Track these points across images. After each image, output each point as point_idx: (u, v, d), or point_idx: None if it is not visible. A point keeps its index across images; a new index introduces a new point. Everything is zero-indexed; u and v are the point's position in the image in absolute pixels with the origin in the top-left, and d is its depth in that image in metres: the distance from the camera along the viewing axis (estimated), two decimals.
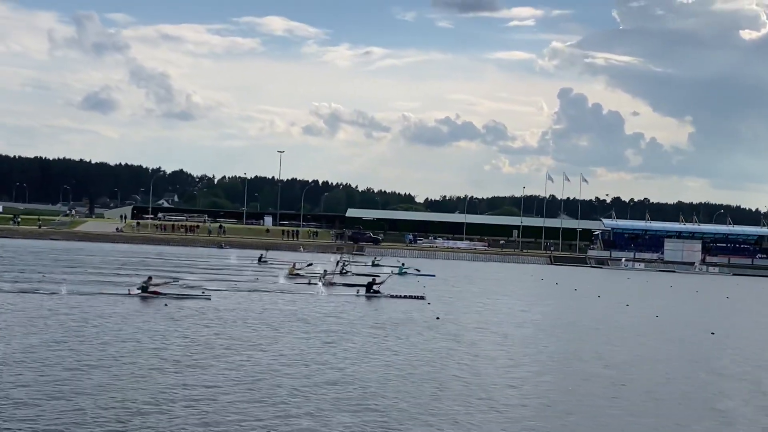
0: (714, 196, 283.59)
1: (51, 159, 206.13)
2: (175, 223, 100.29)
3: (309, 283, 37.34)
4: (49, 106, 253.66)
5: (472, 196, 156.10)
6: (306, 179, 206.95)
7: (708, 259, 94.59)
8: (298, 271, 43.21)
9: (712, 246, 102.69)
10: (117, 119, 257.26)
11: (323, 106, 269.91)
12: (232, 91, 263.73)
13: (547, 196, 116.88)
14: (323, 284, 36.12)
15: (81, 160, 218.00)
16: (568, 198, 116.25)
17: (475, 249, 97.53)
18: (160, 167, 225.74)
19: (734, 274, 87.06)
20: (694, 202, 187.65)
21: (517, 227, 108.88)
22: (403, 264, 53.61)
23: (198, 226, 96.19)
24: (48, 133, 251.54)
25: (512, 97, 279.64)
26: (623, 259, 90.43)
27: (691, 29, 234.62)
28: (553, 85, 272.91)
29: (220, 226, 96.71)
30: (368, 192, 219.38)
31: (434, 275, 50.00)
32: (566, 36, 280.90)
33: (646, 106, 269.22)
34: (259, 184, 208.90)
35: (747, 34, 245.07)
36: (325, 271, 40.66)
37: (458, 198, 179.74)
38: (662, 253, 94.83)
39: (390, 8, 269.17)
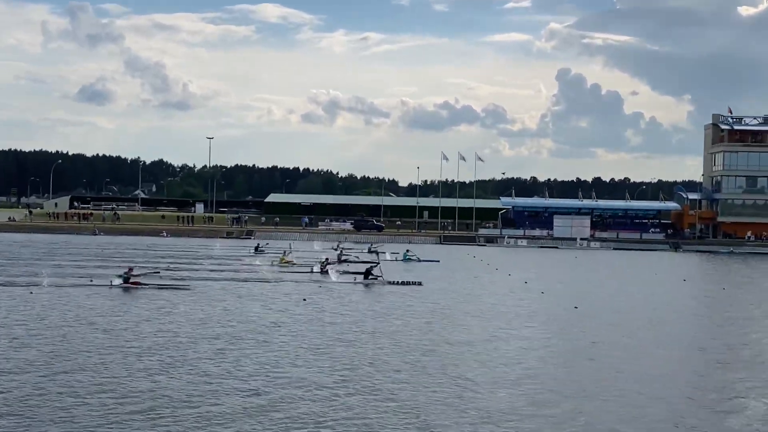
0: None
1: (27, 151, 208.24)
2: (82, 212, 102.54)
3: (311, 271, 38.62)
4: (44, 98, 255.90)
5: (452, 180, 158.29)
6: (287, 167, 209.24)
7: (598, 234, 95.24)
8: (290, 260, 44.52)
9: (610, 222, 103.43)
10: (113, 110, 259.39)
11: (321, 93, 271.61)
12: (228, 79, 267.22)
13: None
14: (322, 271, 37.34)
15: (57, 152, 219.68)
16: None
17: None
18: (138, 157, 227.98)
19: (615, 249, 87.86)
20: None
21: (428, 208, 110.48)
22: (407, 251, 54.73)
23: (92, 214, 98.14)
24: (45, 125, 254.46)
25: (510, 80, 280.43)
26: (506, 237, 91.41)
27: (689, 7, 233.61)
28: (551, 66, 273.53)
29: (115, 214, 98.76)
30: (349, 178, 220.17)
31: (438, 261, 51.97)
32: (563, 17, 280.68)
33: (644, 86, 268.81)
34: (236, 172, 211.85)
35: (745, 11, 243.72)
36: (326, 258, 42.04)
37: (441, 182, 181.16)
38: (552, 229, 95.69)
39: None
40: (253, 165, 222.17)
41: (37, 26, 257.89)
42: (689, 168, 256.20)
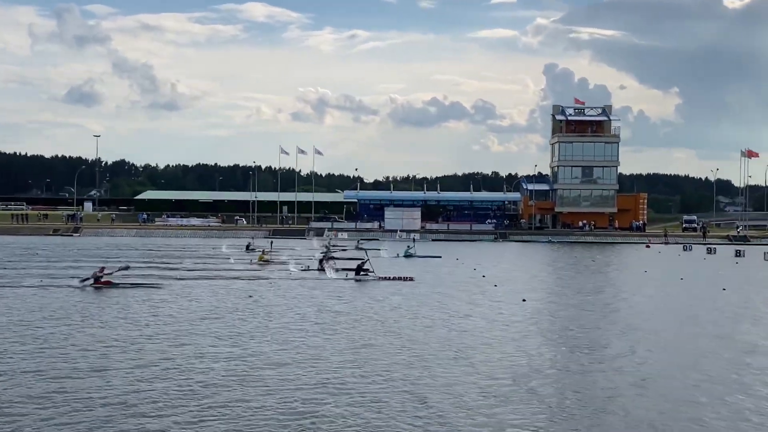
0: (700, 166, 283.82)
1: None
2: None
3: (303, 269, 37.90)
4: (32, 101, 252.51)
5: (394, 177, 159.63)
6: (249, 165, 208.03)
7: (429, 225, 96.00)
8: (268, 257, 44.08)
9: (453, 213, 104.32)
10: (102, 112, 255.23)
11: (310, 92, 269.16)
12: (216, 79, 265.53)
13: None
14: (320, 268, 36.79)
15: (15, 153, 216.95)
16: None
17: (209, 226, 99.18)
18: (99, 158, 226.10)
19: (434, 240, 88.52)
20: (680, 174, 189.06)
21: (287, 203, 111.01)
22: (409, 246, 54.11)
23: None
24: (33, 128, 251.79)
25: (498, 75, 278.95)
26: (326, 229, 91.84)
27: (675, 0, 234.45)
28: (538, 61, 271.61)
29: None
30: (311, 176, 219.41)
31: (440, 257, 51.26)
32: (549, 12, 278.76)
33: (632, 80, 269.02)
34: (197, 171, 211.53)
35: (731, 3, 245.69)
36: (323, 254, 41.65)
37: (404, 178, 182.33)
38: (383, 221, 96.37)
39: None
40: (215, 164, 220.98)
41: (23, 28, 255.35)
42: (675, 161, 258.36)
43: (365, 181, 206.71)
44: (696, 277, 40.56)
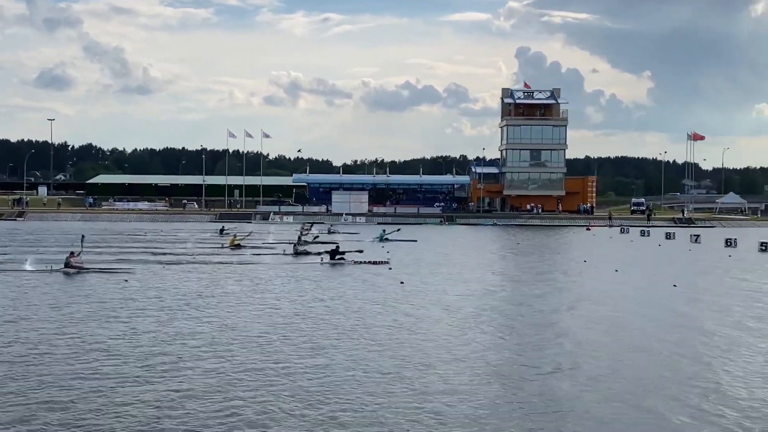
0: (674, 150, 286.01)
1: None
2: None
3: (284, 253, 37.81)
4: (2, 85, 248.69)
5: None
6: (217, 149, 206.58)
7: (376, 209, 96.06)
8: (239, 242, 43.82)
9: (403, 197, 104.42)
10: (73, 96, 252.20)
11: (282, 76, 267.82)
12: (189, 63, 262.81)
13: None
14: (296, 253, 36.86)
15: None
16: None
17: (156, 210, 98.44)
18: (66, 141, 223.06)
19: (379, 223, 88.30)
20: (652, 158, 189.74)
21: (238, 187, 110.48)
22: (384, 230, 53.89)
23: None
24: (4, 112, 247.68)
25: (470, 58, 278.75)
26: (272, 213, 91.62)
27: None
28: (511, 45, 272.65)
29: None
30: (279, 159, 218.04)
31: (416, 240, 51.15)
32: None
33: (604, 63, 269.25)
34: (163, 155, 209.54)
35: None
36: (300, 238, 42.15)
37: (372, 162, 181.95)
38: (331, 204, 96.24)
39: None
40: (182, 148, 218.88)
41: None
42: (649, 144, 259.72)
43: (334, 165, 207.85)
44: (605, 259, 40.82)
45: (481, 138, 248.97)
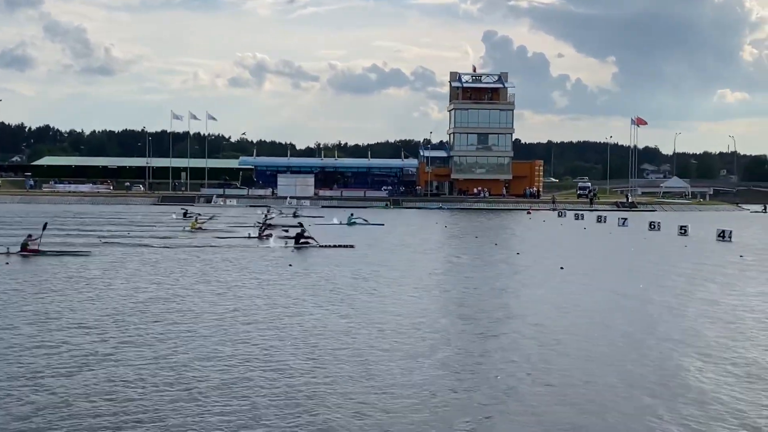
0: (640, 134, 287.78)
1: None
2: None
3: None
4: None
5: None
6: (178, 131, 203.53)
7: (322, 192, 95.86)
8: (201, 225, 43.53)
9: (351, 181, 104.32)
10: (34, 76, 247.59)
11: (248, 57, 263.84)
12: (151, 43, 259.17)
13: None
14: (261, 236, 36.36)
15: None
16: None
17: (98, 192, 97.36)
18: (23, 123, 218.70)
19: (324, 207, 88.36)
20: (620, 143, 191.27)
21: (185, 169, 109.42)
22: (352, 214, 53.84)
23: None
24: None
25: (437, 42, 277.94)
26: (214, 195, 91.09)
27: None
28: (478, 28, 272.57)
29: None
30: (241, 142, 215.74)
31: (383, 224, 50.95)
32: None
33: (569, 48, 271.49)
34: (123, 137, 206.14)
35: None
36: (264, 222, 42.23)
37: (335, 145, 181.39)
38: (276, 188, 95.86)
39: None
40: (143, 129, 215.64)
41: None
42: (614, 129, 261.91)
43: (297, 148, 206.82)
44: (520, 242, 41.12)
45: (444, 122, 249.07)
